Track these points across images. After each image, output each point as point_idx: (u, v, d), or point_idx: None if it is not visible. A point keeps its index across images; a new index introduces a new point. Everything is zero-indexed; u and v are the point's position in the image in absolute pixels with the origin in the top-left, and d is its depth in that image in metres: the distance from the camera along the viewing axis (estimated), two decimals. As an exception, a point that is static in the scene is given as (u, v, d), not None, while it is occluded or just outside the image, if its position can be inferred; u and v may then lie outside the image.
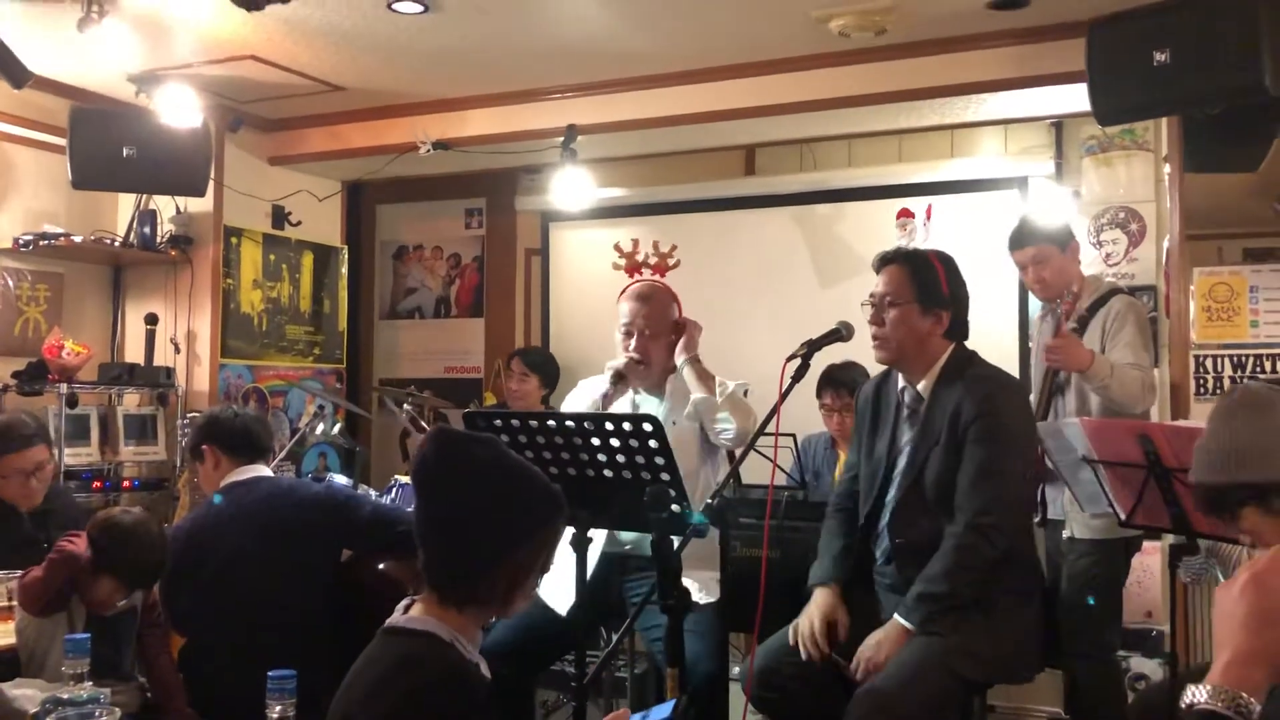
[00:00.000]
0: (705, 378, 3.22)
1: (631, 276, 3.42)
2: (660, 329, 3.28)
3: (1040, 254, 3.67)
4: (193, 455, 3.15)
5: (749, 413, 3.15)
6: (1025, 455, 2.85)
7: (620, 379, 3.22)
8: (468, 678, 1.70)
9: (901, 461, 2.78)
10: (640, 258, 3.43)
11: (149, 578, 2.83)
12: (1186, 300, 4.16)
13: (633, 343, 3.27)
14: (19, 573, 3.08)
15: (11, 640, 2.77)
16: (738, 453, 3.72)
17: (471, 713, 1.67)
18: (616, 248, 3.49)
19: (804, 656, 2.67)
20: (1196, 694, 1.20)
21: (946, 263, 2.83)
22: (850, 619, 2.76)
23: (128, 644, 2.81)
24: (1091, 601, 3.52)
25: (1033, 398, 3.75)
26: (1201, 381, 4.14)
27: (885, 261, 2.84)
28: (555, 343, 5.90)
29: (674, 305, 3.35)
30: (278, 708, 1.46)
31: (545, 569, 1.83)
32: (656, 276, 3.41)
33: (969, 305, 2.84)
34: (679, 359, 3.27)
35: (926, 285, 2.77)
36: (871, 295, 2.82)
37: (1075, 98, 3.95)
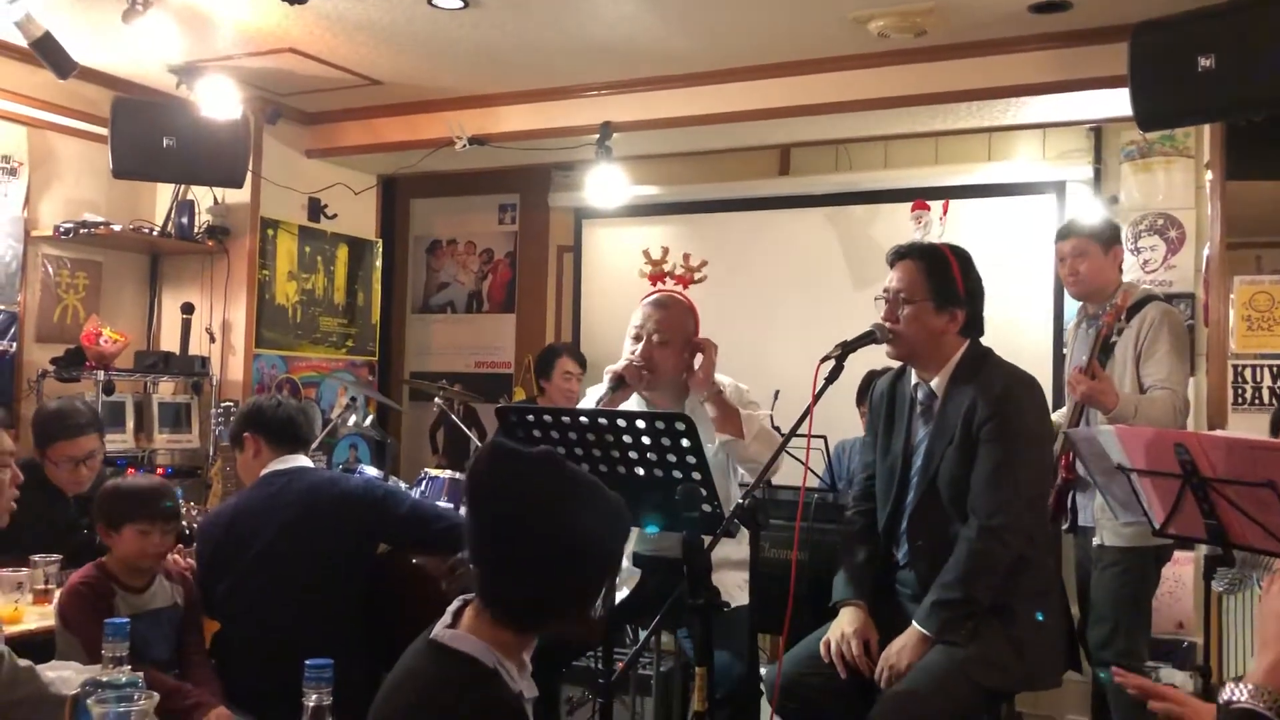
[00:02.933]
0: (730, 416, 3.00)
1: (654, 285, 3.28)
2: (673, 337, 3.09)
3: (1080, 246, 3.64)
4: (234, 442, 3.17)
5: (775, 445, 2.92)
6: (1041, 454, 2.81)
7: (620, 384, 3.05)
8: (503, 711, 1.63)
9: (917, 461, 2.75)
10: (668, 267, 3.28)
11: (172, 514, 2.86)
12: (1226, 309, 4.12)
13: (639, 347, 3.09)
14: (55, 557, 3.14)
15: (48, 623, 2.80)
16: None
17: None
18: (645, 254, 3.37)
19: (842, 675, 2.66)
20: (1236, 692, 1.19)
21: (962, 258, 2.78)
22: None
23: (168, 640, 2.85)
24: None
25: (1066, 407, 3.73)
26: (1240, 391, 4.09)
27: (900, 256, 2.79)
28: (585, 340, 5.91)
29: (691, 320, 3.17)
30: (314, 696, 1.46)
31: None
32: (679, 288, 3.27)
33: (984, 301, 2.79)
34: (699, 395, 3.04)
35: (941, 282, 2.72)
36: (885, 290, 2.78)
37: (1116, 102, 3.91)
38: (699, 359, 3.09)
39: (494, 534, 1.68)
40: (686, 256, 3.37)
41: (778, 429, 4.22)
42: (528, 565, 1.65)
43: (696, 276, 3.30)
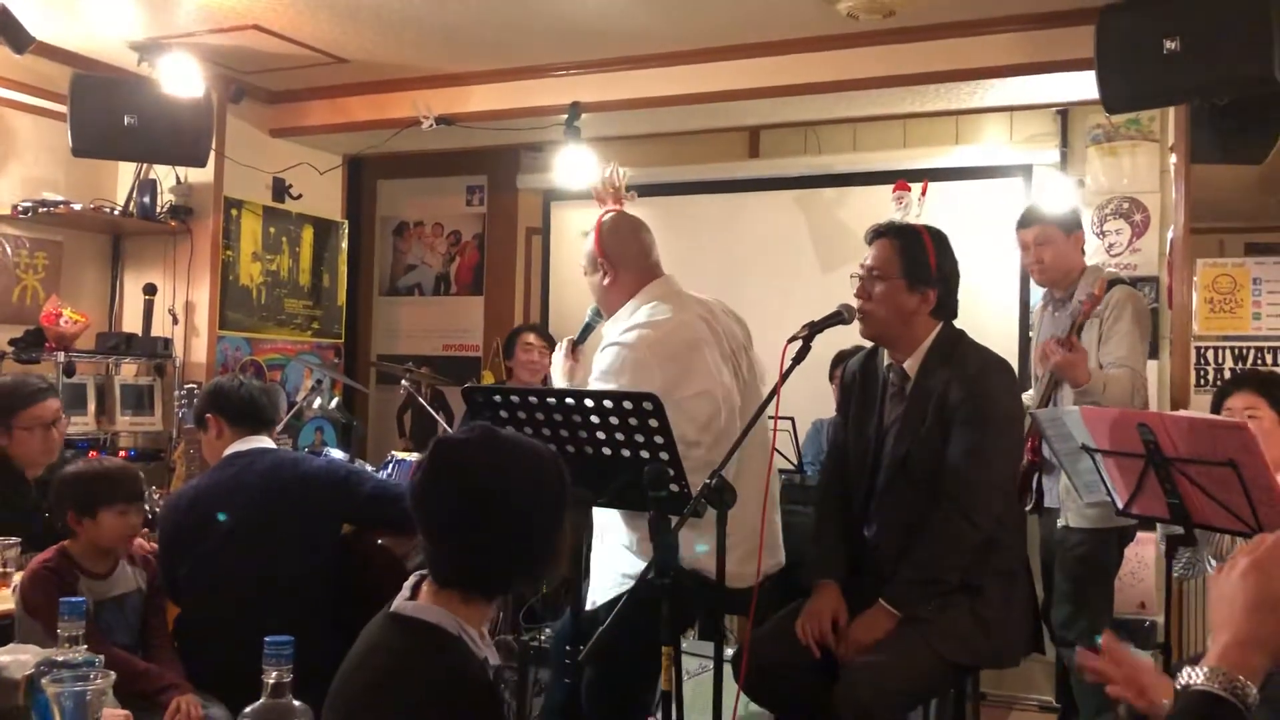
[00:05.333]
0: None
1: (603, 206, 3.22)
2: (591, 265, 3.04)
3: (1043, 234, 3.67)
4: (197, 424, 3.15)
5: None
6: (1013, 437, 2.83)
7: (598, 313, 3.10)
8: (470, 676, 1.65)
9: (889, 442, 2.77)
10: (612, 190, 3.23)
11: (138, 491, 2.87)
12: (1189, 291, 4.15)
13: None
14: (14, 540, 3.09)
15: (5, 606, 2.76)
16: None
17: (473, 713, 1.62)
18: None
19: (817, 655, 2.67)
20: (1193, 675, 1.19)
21: (937, 239, 2.79)
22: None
23: (131, 626, 2.82)
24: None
25: (1034, 389, 3.75)
26: (1202, 373, 4.13)
27: (876, 235, 2.81)
28: (554, 322, 5.88)
29: (594, 236, 3.04)
30: (274, 674, 1.45)
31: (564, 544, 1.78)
32: (615, 208, 3.18)
33: (959, 284, 2.80)
34: None
35: (914, 261, 2.73)
36: (861, 267, 2.80)
37: (1082, 85, 3.93)
38: None
39: (435, 511, 1.71)
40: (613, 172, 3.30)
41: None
42: (471, 536, 1.68)
43: (624, 194, 3.26)
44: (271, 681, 1.45)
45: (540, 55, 4.76)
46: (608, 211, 3.14)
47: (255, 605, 2.77)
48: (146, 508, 3.25)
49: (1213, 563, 3.00)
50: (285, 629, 1.56)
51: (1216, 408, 3.11)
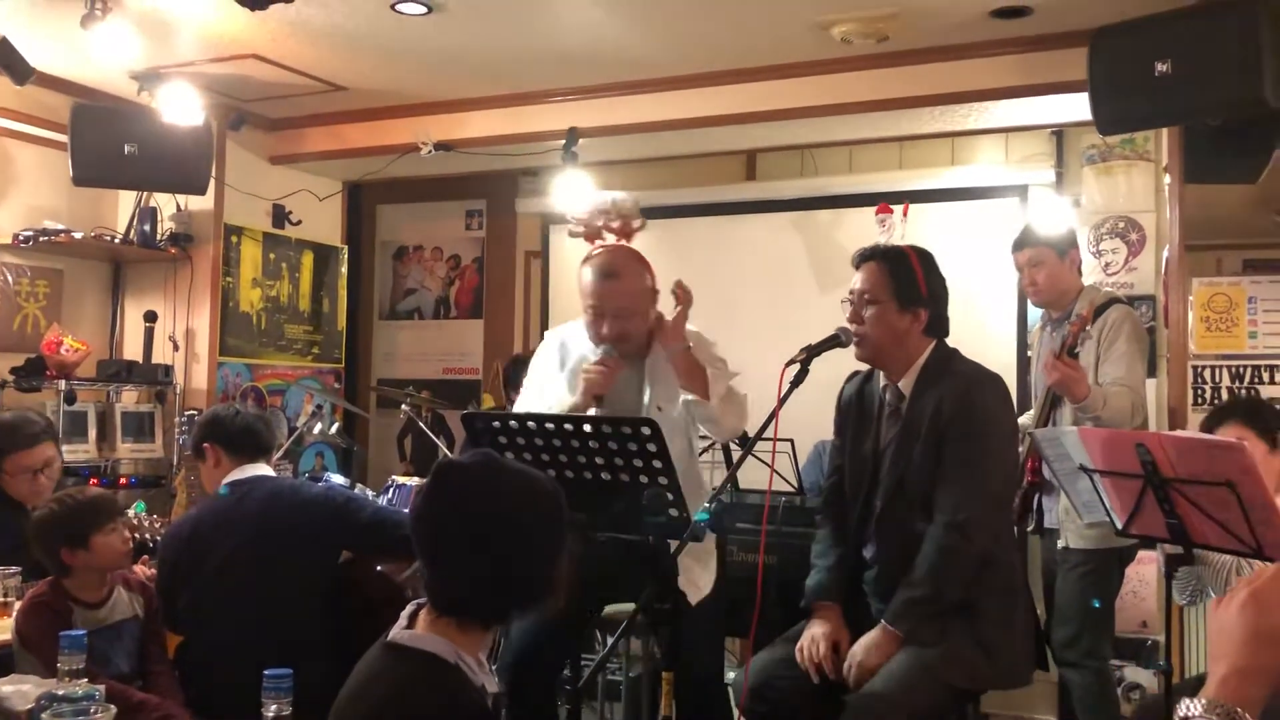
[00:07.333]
0: (696, 375, 2.86)
1: (592, 243, 3.05)
2: (636, 306, 2.92)
3: (1036, 256, 3.69)
4: (195, 453, 3.15)
5: (742, 412, 2.94)
6: (1006, 450, 2.83)
7: (600, 401, 2.84)
8: (466, 705, 1.65)
9: (886, 462, 2.77)
10: (600, 223, 3.02)
11: (117, 506, 2.91)
12: (1185, 310, 4.16)
13: (605, 328, 2.92)
14: (15, 569, 3.09)
15: (5, 637, 2.76)
16: (735, 456, 3.72)
17: None
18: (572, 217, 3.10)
19: (814, 679, 2.66)
20: (1191, 708, 1.19)
21: (925, 259, 2.81)
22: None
23: (129, 653, 2.82)
24: (1094, 603, 3.52)
25: (1032, 411, 3.76)
26: (1199, 392, 4.14)
27: (864, 258, 2.82)
28: (554, 345, 5.89)
29: (647, 273, 2.97)
30: (273, 706, 1.46)
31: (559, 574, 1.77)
32: (622, 241, 3.03)
33: (948, 302, 2.81)
34: (667, 350, 2.90)
35: (904, 283, 2.75)
36: (850, 292, 2.81)
37: (1076, 107, 3.96)
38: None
39: (435, 538, 1.72)
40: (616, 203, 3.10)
41: (745, 435, 4.25)
42: (469, 564, 1.69)
43: (635, 225, 3.01)
44: (271, 715, 1.46)
45: (538, 81, 4.79)
46: (618, 245, 3.02)
47: (254, 633, 2.77)
48: (148, 536, 3.25)
49: (1213, 593, 3.00)
50: (284, 656, 1.57)
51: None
